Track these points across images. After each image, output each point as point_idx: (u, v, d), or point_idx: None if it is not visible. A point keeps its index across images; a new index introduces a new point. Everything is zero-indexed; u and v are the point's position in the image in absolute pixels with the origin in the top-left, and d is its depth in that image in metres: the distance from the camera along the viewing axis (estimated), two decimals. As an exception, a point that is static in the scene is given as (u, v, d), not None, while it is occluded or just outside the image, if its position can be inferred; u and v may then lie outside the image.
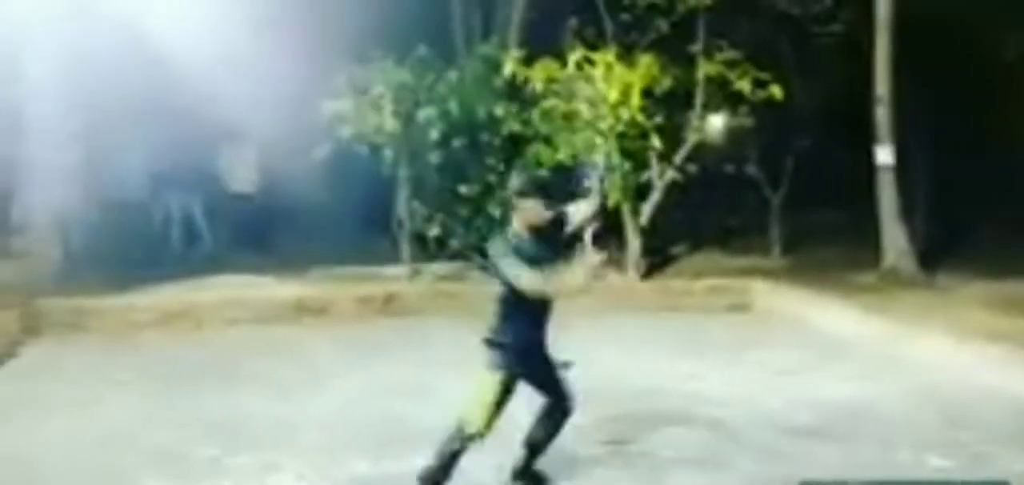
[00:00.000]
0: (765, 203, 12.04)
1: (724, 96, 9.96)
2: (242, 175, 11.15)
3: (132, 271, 9.02)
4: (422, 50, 9.60)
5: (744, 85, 9.37)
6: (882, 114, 9.84)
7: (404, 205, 9.73)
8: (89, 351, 7.24)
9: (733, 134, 11.10)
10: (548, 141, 9.78)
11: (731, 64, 9.48)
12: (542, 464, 4.23)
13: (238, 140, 11.11)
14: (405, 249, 9.69)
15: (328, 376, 6.33)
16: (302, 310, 8.52)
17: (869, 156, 10.07)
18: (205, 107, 9.52)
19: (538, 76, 9.24)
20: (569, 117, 9.61)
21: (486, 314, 3.93)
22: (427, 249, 9.94)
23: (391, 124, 9.19)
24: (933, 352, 6.76)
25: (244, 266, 9.60)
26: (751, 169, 11.99)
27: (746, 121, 10.07)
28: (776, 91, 9.34)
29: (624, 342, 7.68)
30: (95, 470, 4.53)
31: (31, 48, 7.24)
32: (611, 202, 9.71)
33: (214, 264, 9.85)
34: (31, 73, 7.31)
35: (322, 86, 9.46)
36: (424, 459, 3.96)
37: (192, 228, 10.58)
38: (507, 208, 10.01)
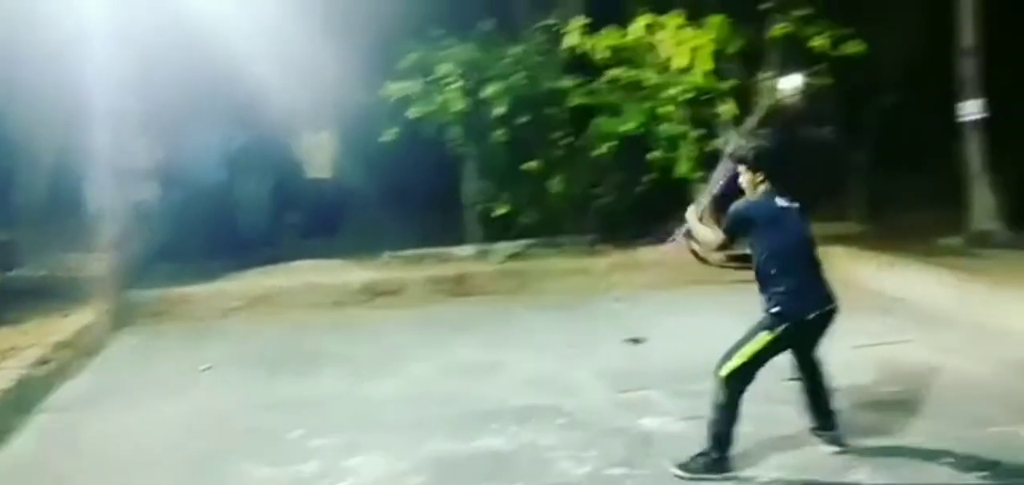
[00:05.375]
0: (846, 166, 11.55)
1: (799, 55, 9.57)
2: (318, 160, 11.38)
3: (210, 260, 9.20)
4: (487, 25, 9.53)
5: (821, 42, 8.96)
6: (969, 67, 9.31)
7: (471, 184, 9.72)
8: (176, 338, 7.51)
9: (809, 95, 10.60)
10: (615, 111, 9.63)
11: (806, 20, 9.07)
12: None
13: (311, 125, 11.29)
14: (473, 229, 9.69)
15: (403, 357, 6.42)
16: (375, 293, 8.68)
17: (953, 113, 9.55)
18: (275, 95, 9.66)
19: (602, 45, 9.07)
20: (635, 86, 9.43)
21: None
22: (494, 228, 9.94)
23: (458, 103, 9.17)
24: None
25: (318, 251, 9.77)
26: (828, 131, 11.53)
27: (824, 80, 9.62)
28: (856, 47, 8.92)
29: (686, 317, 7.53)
30: (188, 454, 4.67)
31: (95, 40, 7.24)
32: (679, 172, 9.50)
33: (290, 250, 10.03)
34: (95, 65, 7.32)
35: (388, 68, 9.51)
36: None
37: (260, 213, 10.78)
38: (570, 184, 9.88)
